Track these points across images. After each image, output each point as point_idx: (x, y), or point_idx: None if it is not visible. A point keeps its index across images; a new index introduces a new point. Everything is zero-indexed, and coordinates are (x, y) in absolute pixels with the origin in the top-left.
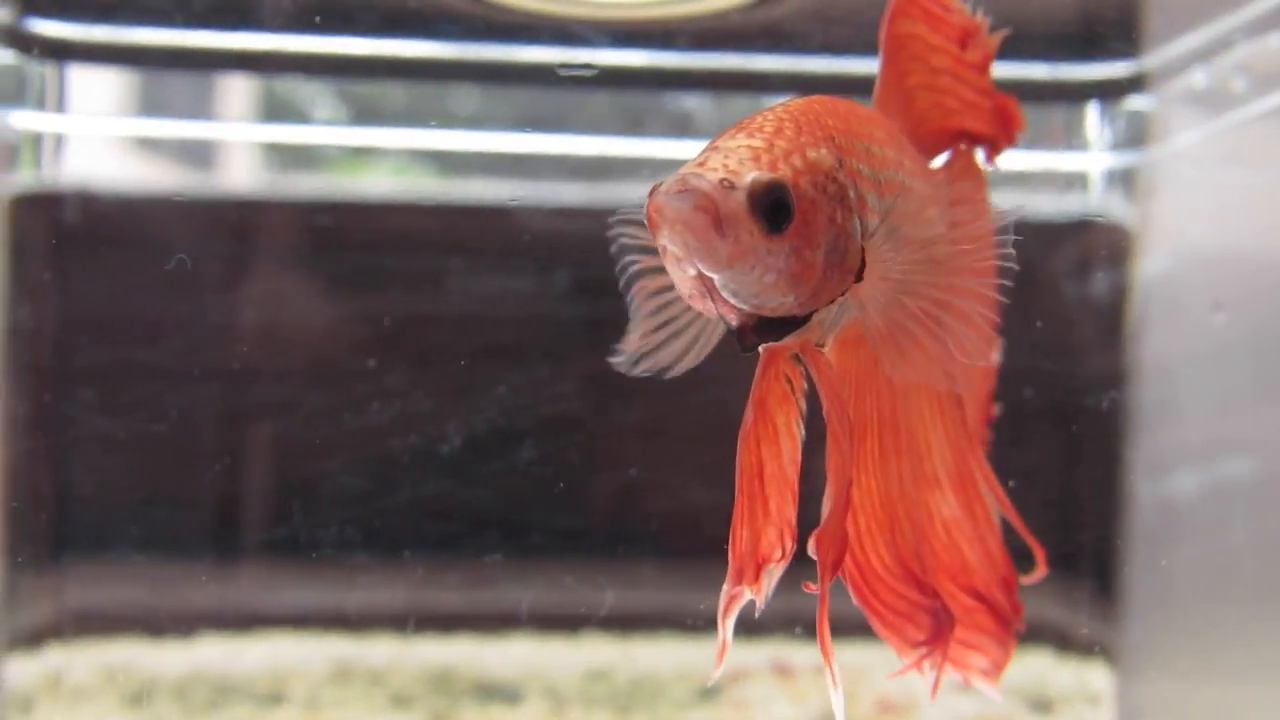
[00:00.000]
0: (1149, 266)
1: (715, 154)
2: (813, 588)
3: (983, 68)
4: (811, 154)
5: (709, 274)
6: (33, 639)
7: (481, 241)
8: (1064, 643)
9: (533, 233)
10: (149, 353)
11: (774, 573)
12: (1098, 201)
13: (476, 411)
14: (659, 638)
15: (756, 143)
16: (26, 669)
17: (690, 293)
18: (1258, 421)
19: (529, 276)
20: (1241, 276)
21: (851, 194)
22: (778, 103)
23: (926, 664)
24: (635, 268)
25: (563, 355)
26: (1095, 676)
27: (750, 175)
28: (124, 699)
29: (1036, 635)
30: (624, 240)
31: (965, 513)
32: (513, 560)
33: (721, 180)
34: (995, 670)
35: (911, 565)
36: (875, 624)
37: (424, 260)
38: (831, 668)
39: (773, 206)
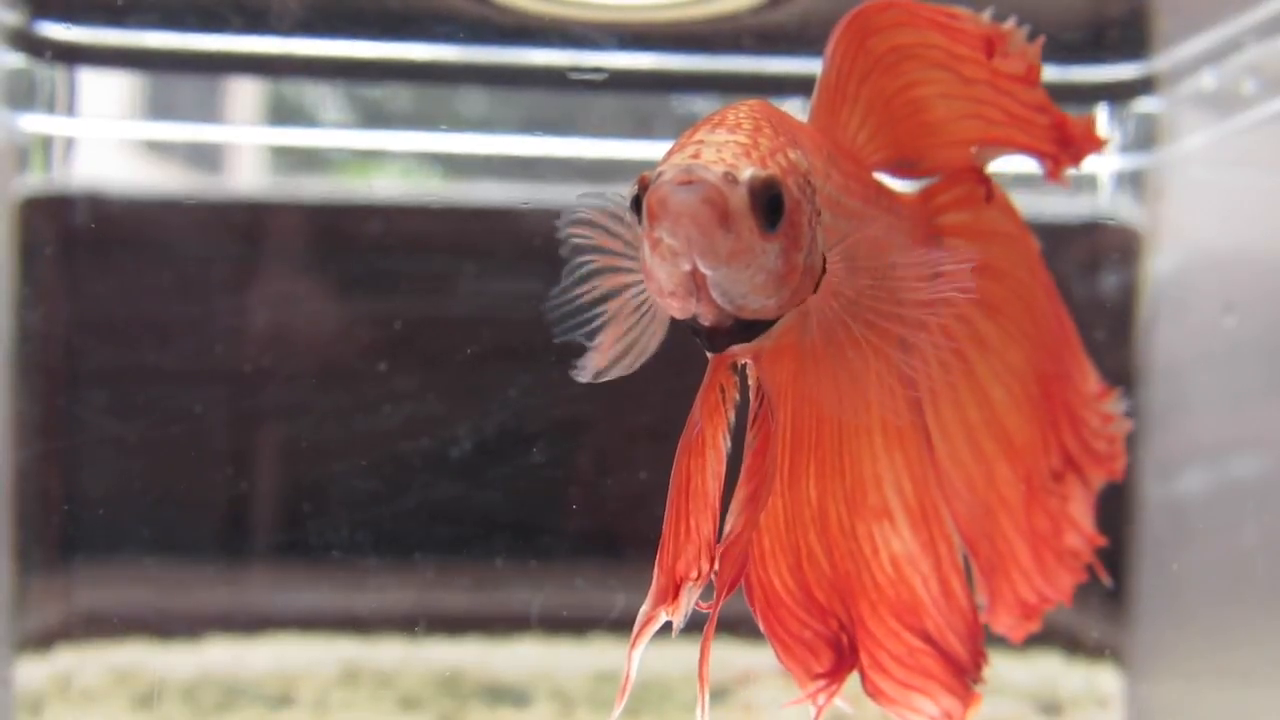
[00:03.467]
0: (1158, 268)
1: (705, 148)
2: (705, 606)
3: (1030, 80)
4: (791, 154)
5: (704, 270)
6: (42, 641)
7: (490, 244)
8: (1073, 645)
9: (542, 235)
10: (159, 355)
11: (691, 593)
12: (1107, 203)
13: (487, 414)
14: (668, 641)
15: (741, 139)
16: (36, 670)
17: (672, 289)
18: (1268, 422)
19: (538, 279)
20: (1251, 277)
21: (816, 199)
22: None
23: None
24: (589, 268)
25: (573, 358)
26: (1105, 679)
27: (748, 170)
28: (133, 701)
29: (1046, 637)
30: (576, 240)
31: (924, 550)
32: (522, 563)
33: (725, 174)
34: (948, 718)
35: (817, 593)
36: (777, 650)
37: (433, 263)
38: (703, 695)
39: (770, 204)
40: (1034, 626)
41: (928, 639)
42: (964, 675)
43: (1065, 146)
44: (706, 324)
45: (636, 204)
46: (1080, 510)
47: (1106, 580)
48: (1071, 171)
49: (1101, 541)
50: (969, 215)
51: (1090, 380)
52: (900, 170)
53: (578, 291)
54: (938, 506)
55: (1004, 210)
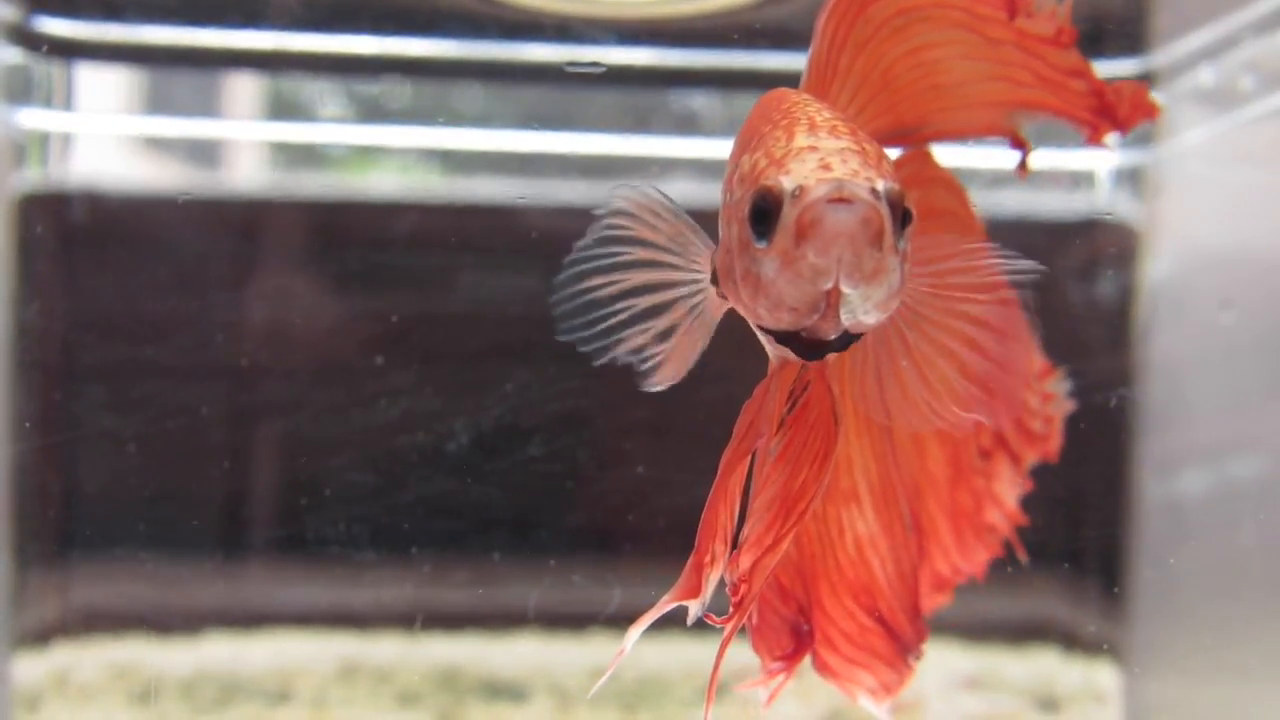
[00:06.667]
0: (1157, 265)
1: (830, 157)
2: (718, 620)
3: (1061, 43)
4: (887, 161)
5: (846, 289)
6: (40, 637)
7: (488, 240)
8: (1071, 641)
9: (539, 231)
10: (156, 351)
11: (711, 579)
12: (1105, 200)
13: (484, 409)
14: (666, 637)
15: (853, 145)
16: (34, 667)
17: (795, 305)
18: (1266, 420)
19: (535, 274)
20: (1250, 275)
21: None
22: (791, 96)
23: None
24: (626, 259)
25: (570, 353)
26: (1102, 675)
27: (882, 183)
28: (131, 697)
29: (1043, 633)
30: (613, 232)
31: (884, 531)
32: (520, 558)
33: (872, 189)
34: (883, 690)
35: (783, 577)
36: (750, 636)
37: (431, 258)
38: (711, 697)
39: (903, 217)
40: (943, 600)
41: (880, 619)
42: (907, 652)
43: (1106, 114)
44: (828, 338)
45: (758, 216)
46: (1004, 488)
47: (1023, 557)
48: (1069, 170)
49: (1021, 520)
50: (915, 195)
51: (1032, 360)
52: (894, 139)
53: (600, 282)
54: (895, 487)
55: (951, 190)
